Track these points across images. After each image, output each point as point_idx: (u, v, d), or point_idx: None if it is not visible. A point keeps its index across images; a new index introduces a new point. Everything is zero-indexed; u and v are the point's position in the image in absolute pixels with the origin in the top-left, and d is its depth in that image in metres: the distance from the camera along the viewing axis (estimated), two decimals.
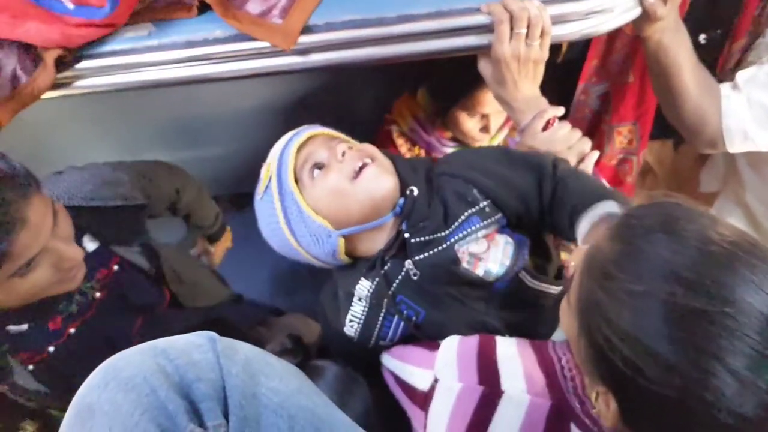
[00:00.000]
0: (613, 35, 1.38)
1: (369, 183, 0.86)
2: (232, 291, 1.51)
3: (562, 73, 1.41)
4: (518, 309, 0.91)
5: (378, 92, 1.69)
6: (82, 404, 0.51)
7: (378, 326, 0.92)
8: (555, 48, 1.04)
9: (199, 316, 1.27)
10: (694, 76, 1.17)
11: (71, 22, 0.94)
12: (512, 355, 0.81)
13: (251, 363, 0.53)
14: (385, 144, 1.63)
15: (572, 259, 0.75)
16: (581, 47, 1.46)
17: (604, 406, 0.64)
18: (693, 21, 1.23)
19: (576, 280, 0.67)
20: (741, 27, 1.29)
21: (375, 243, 0.90)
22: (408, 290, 0.89)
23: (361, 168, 0.86)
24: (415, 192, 0.88)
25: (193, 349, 0.53)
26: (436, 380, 0.79)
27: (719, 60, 1.36)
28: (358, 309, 0.93)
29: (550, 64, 1.03)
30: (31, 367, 1.03)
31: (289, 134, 0.95)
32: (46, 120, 1.59)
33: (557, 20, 0.99)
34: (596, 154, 1.03)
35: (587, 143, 1.03)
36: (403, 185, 0.90)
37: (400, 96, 1.68)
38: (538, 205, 0.89)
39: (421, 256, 0.87)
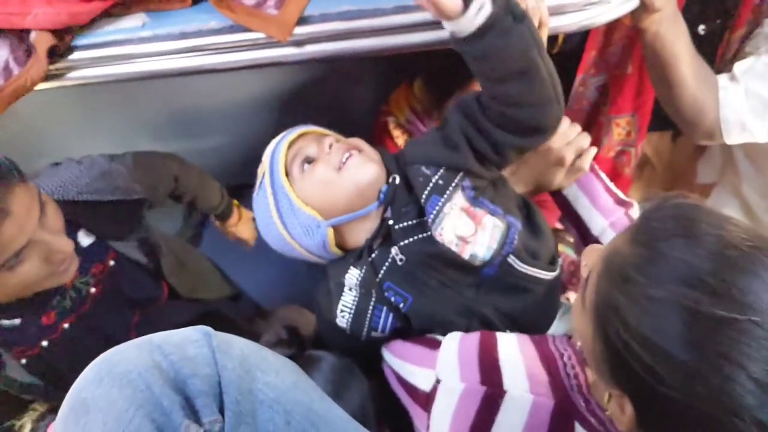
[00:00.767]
0: (612, 26, 1.37)
1: (353, 171, 0.89)
2: (231, 286, 1.50)
3: (560, 65, 1.40)
4: (509, 296, 0.92)
5: (374, 83, 1.69)
6: (76, 399, 0.50)
7: (369, 316, 0.93)
8: (551, 39, 1.03)
9: (196, 310, 1.27)
10: (691, 67, 1.16)
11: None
12: (514, 353, 0.80)
13: (247, 358, 0.52)
14: (381, 135, 1.63)
15: (584, 258, 0.74)
16: (579, 38, 1.45)
17: (617, 409, 0.64)
18: (692, 11, 1.23)
19: (592, 282, 0.66)
20: (741, 16, 1.28)
21: (362, 233, 0.92)
22: (395, 276, 0.90)
23: (347, 159, 0.90)
24: (398, 180, 0.91)
25: (188, 344, 0.52)
26: (437, 380, 0.79)
27: (718, 50, 1.35)
28: (348, 299, 0.94)
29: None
30: (24, 360, 1.03)
31: (282, 133, 0.98)
32: (40, 111, 1.58)
33: (555, 11, 0.98)
34: (594, 150, 1.03)
35: (586, 139, 1.03)
36: (388, 175, 0.93)
37: (397, 87, 1.67)
38: (477, 130, 0.88)
39: (406, 242, 0.89)
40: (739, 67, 1.21)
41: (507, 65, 0.81)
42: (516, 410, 0.74)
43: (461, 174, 0.90)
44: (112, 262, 1.10)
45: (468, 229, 0.87)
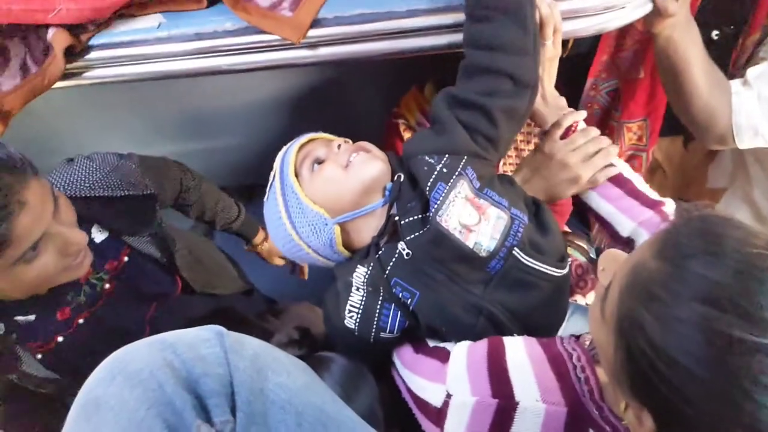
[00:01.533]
0: (624, 31, 1.37)
1: (359, 168, 0.92)
2: (244, 281, 1.51)
3: (571, 69, 1.41)
4: (516, 292, 0.92)
5: (386, 86, 1.68)
6: (87, 398, 0.51)
7: (377, 314, 0.93)
8: (562, 43, 1.03)
9: (210, 305, 1.28)
10: (704, 72, 1.16)
11: None
12: (522, 360, 0.80)
13: (259, 358, 0.53)
14: (392, 138, 1.63)
15: (602, 263, 0.74)
16: (591, 42, 1.44)
17: (635, 420, 0.63)
18: (706, 17, 1.22)
19: (614, 295, 0.65)
20: (756, 22, 1.28)
21: (369, 231, 0.94)
22: (402, 271, 0.91)
23: (354, 158, 0.93)
24: (402, 177, 0.93)
25: (200, 343, 0.53)
26: (448, 395, 0.78)
27: (731, 56, 1.35)
28: (356, 298, 0.94)
29: (558, 60, 1.03)
30: (39, 355, 1.04)
31: (293, 140, 1.00)
32: (56, 109, 1.59)
33: (568, 16, 0.98)
34: (612, 170, 1.03)
35: (604, 159, 1.03)
36: (393, 174, 0.95)
37: (408, 91, 1.67)
38: (463, 105, 0.91)
39: (412, 236, 0.89)
40: (752, 72, 1.20)
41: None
42: (530, 421, 0.73)
43: (464, 160, 0.90)
44: (126, 258, 1.11)
45: (472, 218, 0.88)
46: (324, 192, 0.93)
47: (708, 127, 1.22)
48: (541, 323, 0.95)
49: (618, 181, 1.04)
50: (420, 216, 0.90)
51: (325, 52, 1.01)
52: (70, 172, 1.09)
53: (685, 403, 0.56)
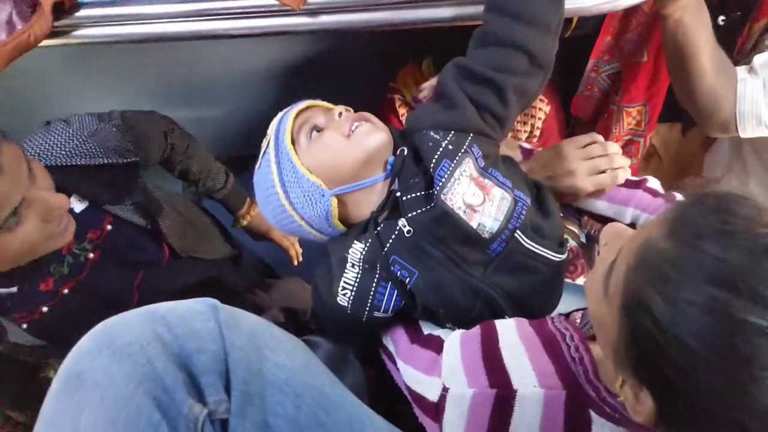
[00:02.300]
0: (630, 12, 1.35)
1: (362, 138, 0.89)
2: (232, 245, 1.48)
3: (573, 49, 1.38)
4: (516, 276, 0.90)
5: (383, 61, 1.66)
6: (71, 372, 0.47)
7: (372, 293, 0.91)
8: (566, 22, 1.01)
9: (199, 273, 1.25)
10: (711, 57, 1.14)
11: None
12: (515, 345, 0.78)
13: (256, 335, 0.50)
14: (387, 113, 1.61)
15: (604, 237, 0.72)
16: (594, 23, 1.42)
17: (632, 398, 0.62)
18: (713, 2, 1.19)
19: (620, 272, 0.63)
20: (764, 7, 1.25)
21: (367, 205, 0.91)
22: (401, 249, 0.88)
23: (356, 127, 0.89)
24: (406, 151, 0.90)
25: (194, 316, 0.50)
26: (445, 389, 0.77)
27: (737, 42, 1.33)
28: (350, 275, 0.91)
29: (559, 39, 1.00)
30: (24, 325, 1.02)
31: (290, 106, 0.96)
32: (42, 70, 1.55)
33: None
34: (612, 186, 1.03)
35: (611, 180, 1.02)
36: (395, 149, 0.92)
37: (404, 66, 1.65)
38: (474, 79, 0.88)
39: (414, 213, 0.87)
40: (758, 59, 1.18)
41: None
42: (530, 408, 0.72)
43: (470, 138, 0.88)
44: (109, 227, 1.07)
45: (476, 198, 0.86)
46: (322, 161, 0.89)
47: (712, 114, 1.21)
48: (537, 307, 0.94)
49: None
50: (424, 193, 0.87)
51: (326, 20, 0.98)
52: (46, 138, 1.04)
53: (690, 386, 0.54)
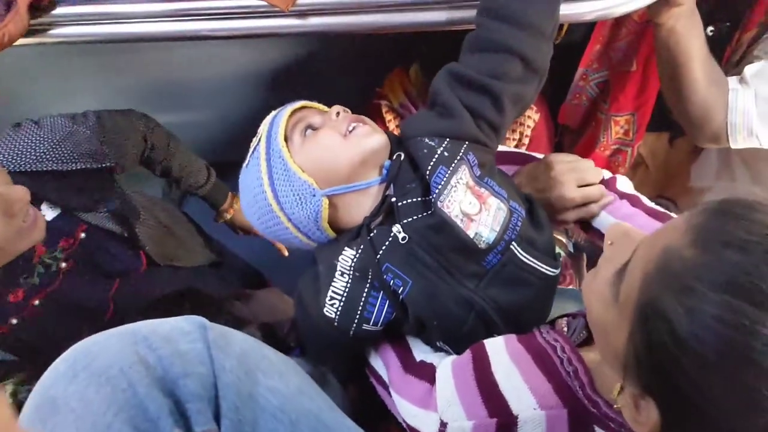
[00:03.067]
0: (621, 20, 1.34)
1: (360, 139, 0.87)
2: (214, 252, 1.44)
3: (561, 56, 1.37)
4: (510, 288, 0.88)
5: (370, 65, 1.63)
6: (44, 396, 0.43)
7: (362, 303, 0.87)
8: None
9: (177, 282, 1.21)
10: (704, 67, 1.13)
11: None
12: (508, 367, 0.76)
13: (247, 357, 0.46)
14: (373, 118, 1.56)
15: (611, 237, 0.69)
16: (584, 31, 1.41)
17: (631, 406, 0.59)
18: (702, 12, 1.19)
19: (636, 279, 0.60)
20: (753, 18, 1.25)
21: (360, 210, 0.89)
22: (395, 257, 0.85)
23: (354, 128, 0.88)
24: (402, 156, 0.88)
25: (180, 336, 0.46)
26: (443, 424, 0.74)
27: (725, 52, 1.32)
28: (339, 284, 0.88)
29: None
30: None
31: (282, 106, 0.94)
32: (16, 70, 1.50)
33: None
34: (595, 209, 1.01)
35: (598, 193, 1.00)
36: (391, 153, 0.90)
37: (391, 71, 1.63)
38: (469, 86, 0.86)
39: (410, 219, 0.85)
40: (749, 69, 1.18)
41: None
42: (533, 431, 0.70)
43: (465, 145, 0.86)
44: (83, 235, 1.03)
45: (473, 207, 0.84)
46: (316, 160, 0.86)
47: (703, 124, 1.20)
48: (528, 322, 0.92)
49: None
50: (420, 199, 0.85)
51: (315, 22, 0.95)
52: (14, 141, 0.99)
53: (704, 400, 0.52)
